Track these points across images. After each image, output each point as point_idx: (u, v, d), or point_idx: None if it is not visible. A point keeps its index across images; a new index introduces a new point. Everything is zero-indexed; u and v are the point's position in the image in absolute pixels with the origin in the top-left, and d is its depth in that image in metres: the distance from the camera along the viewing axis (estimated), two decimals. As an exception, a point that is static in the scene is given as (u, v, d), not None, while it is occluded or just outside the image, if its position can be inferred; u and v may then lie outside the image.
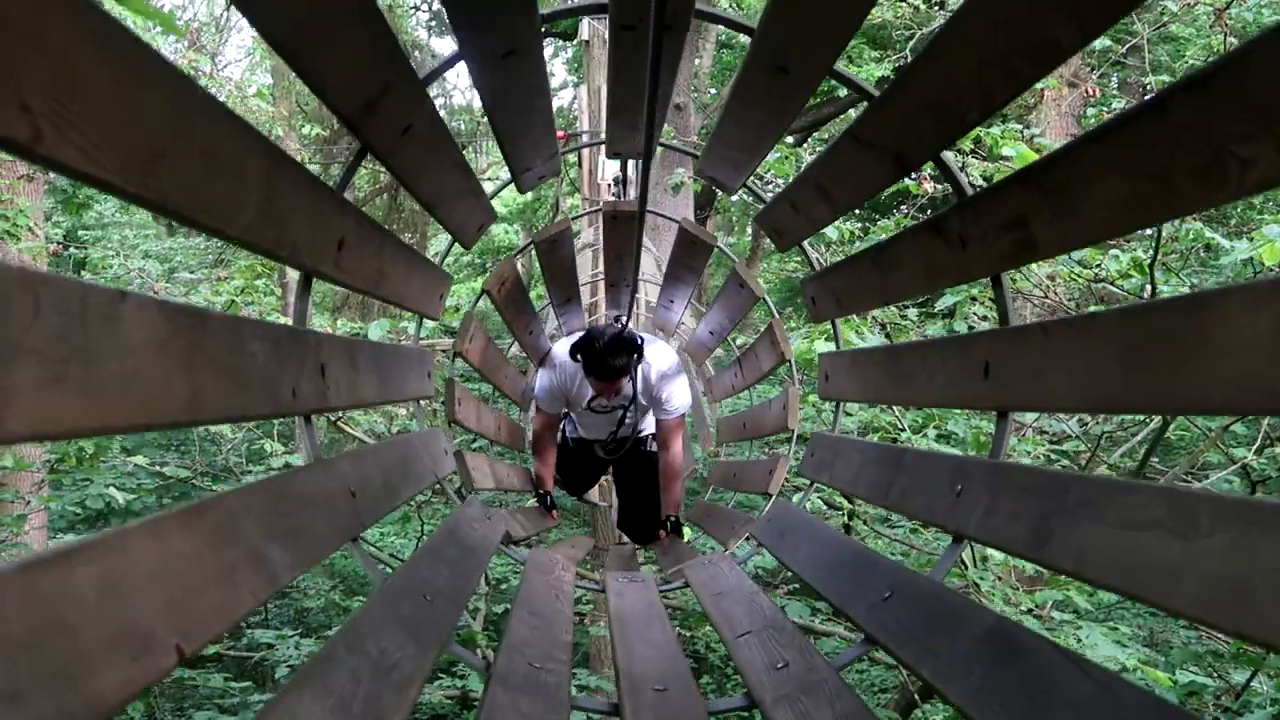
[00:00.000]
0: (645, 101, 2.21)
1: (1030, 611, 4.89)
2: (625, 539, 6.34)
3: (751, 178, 3.91)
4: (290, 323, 2.67)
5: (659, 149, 8.06)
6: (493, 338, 5.53)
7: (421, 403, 4.10)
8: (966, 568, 5.00)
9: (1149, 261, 5.03)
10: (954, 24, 1.96)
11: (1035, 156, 3.72)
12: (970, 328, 5.89)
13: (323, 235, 2.11)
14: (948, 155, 2.50)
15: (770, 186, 7.38)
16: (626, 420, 5.54)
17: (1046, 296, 6.24)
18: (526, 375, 6.87)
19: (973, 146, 6.09)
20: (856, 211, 16.99)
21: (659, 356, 5.39)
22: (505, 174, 3.75)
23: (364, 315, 16.45)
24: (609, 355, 4.88)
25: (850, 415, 6.86)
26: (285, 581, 1.66)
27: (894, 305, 7.07)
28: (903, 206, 8.40)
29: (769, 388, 9.16)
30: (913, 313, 7.42)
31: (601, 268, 7.83)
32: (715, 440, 8.00)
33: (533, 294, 9.11)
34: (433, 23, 25.91)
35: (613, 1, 2.54)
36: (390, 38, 2.10)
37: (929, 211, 7.06)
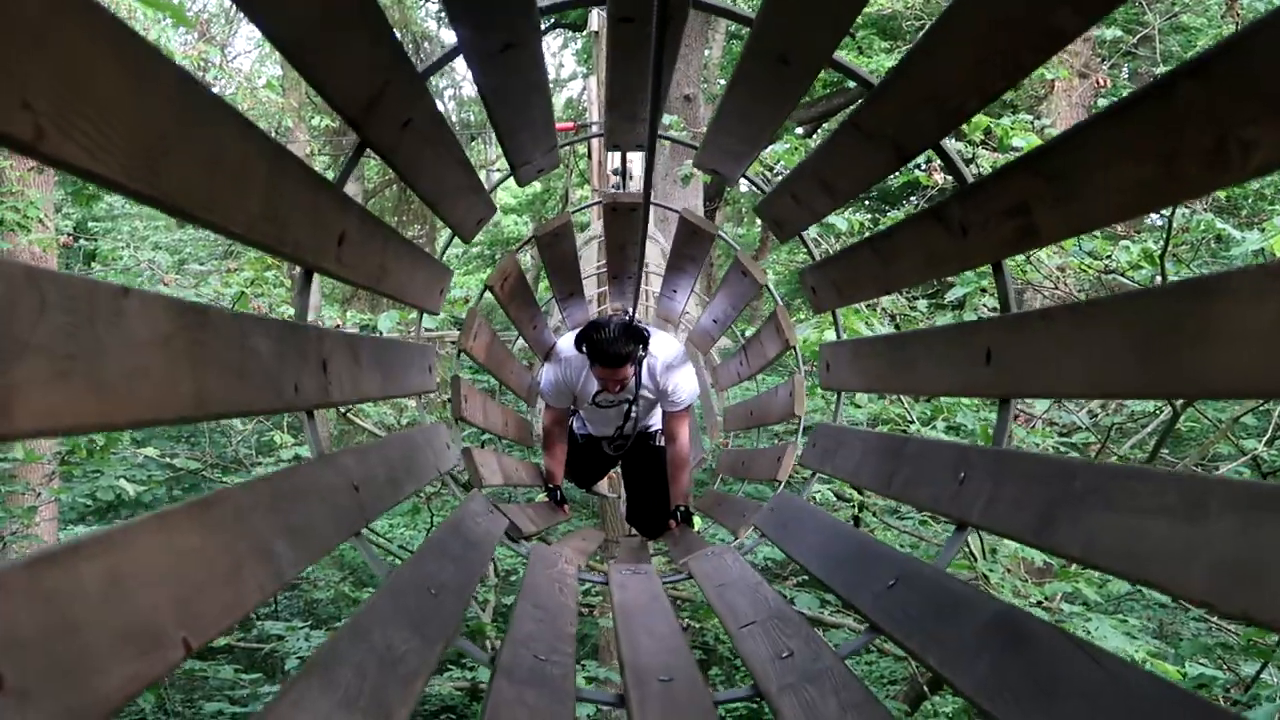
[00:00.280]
0: (648, 93, 2.21)
1: (1040, 604, 4.89)
2: (634, 531, 6.34)
3: (755, 168, 3.90)
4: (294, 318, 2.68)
5: (668, 142, 8.06)
6: (498, 333, 5.53)
7: (428, 395, 4.11)
8: (975, 560, 5.00)
9: (1159, 252, 5.01)
10: (953, 11, 1.96)
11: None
12: (980, 319, 5.87)
13: (324, 231, 2.12)
14: (948, 143, 2.50)
15: (779, 178, 7.36)
16: (632, 415, 5.54)
17: (1057, 288, 6.21)
18: (532, 369, 6.88)
19: (983, 137, 6.07)
20: (866, 203, 16.99)
21: (664, 347, 5.39)
22: (508, 170, 3.74)
23: (373, 307, 16.46)
24: (613, 342, 4.88)
25: (859, 407, 6.85)
26: (291, 576, 1.67)
27: (903, 297, 7.06)
28: (912, 198, 8.39)
29: (777, 376, 9.16)
30: (922, 304, 7.41)
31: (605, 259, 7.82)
32: (723, 430, 8.00)
33: (540, 286, 9.12)
34: (442, 14, 25.87)
35: None
36: (390, 36, 2.11)
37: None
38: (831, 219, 5.99)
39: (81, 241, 15.36)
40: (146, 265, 8.83)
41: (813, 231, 3.95)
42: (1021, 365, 2.12)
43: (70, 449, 7.58)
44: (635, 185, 9.96)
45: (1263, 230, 5.07)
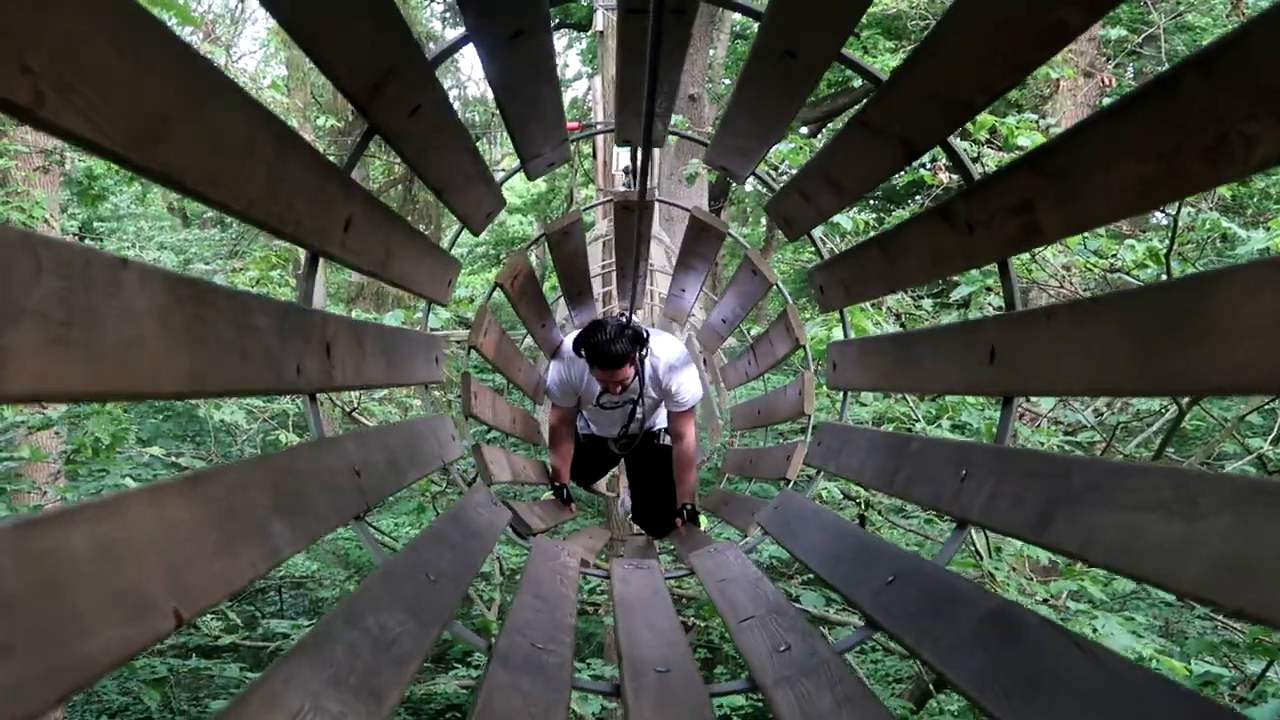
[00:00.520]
0: (661, 87, 2.21)
1: (1045, 601, 4.88)
2: (640, 530, 6.33)
3: (760, 167, 3.90)
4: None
5: (674, 139, 8.07)
6: (506, 330, 5.53)
7: (435, 392, 4.11)
8: (981, 558, 4.99)
9: (1165, 251, 5.00)
10: (958, 9, 1.96)
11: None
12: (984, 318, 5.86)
13: (330, 215, 2.12)
14: (955, 140, 2.49)
15: (784, 177, 7.37)
16: (637, 415, 5.55)
17: (1062, 286, 6.20)
18: (537, 364, 6.88)
19: (988, 136, 6.06)
20: (871, 202, 16.98)
21: (666, 348, 5.40)
22: (517, 164, 3.74)
23: (378, 306, 16.50)
24: (609, 343, 4.89)
25: (865, 405, 6.85)
26: (286, 555, 1.66)
27: (909, 296, 7.06)
28: (918, 197, 8.38)
29: (782, 377, 9.15)
30: (928, 303, 7.41)
31: (613, 258, 7.81)
32: (728, 430, 7.99)
33: (546, 286, 9.12)
34: (446, 14, 25.91)
35: None
36: (398, 19, 2.11)
37: (943, 201, 7.02)
38: (837, 218, 5.99)
39: (87, 241, 15.40)
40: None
41: (818, 231, 3.95)
42: (1025, 364, 2.12)
43: (76, 447, 7.59)
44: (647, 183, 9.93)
45: (1268, 229, 5.07)
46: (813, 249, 4.05)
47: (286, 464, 1.89)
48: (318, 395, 2.29)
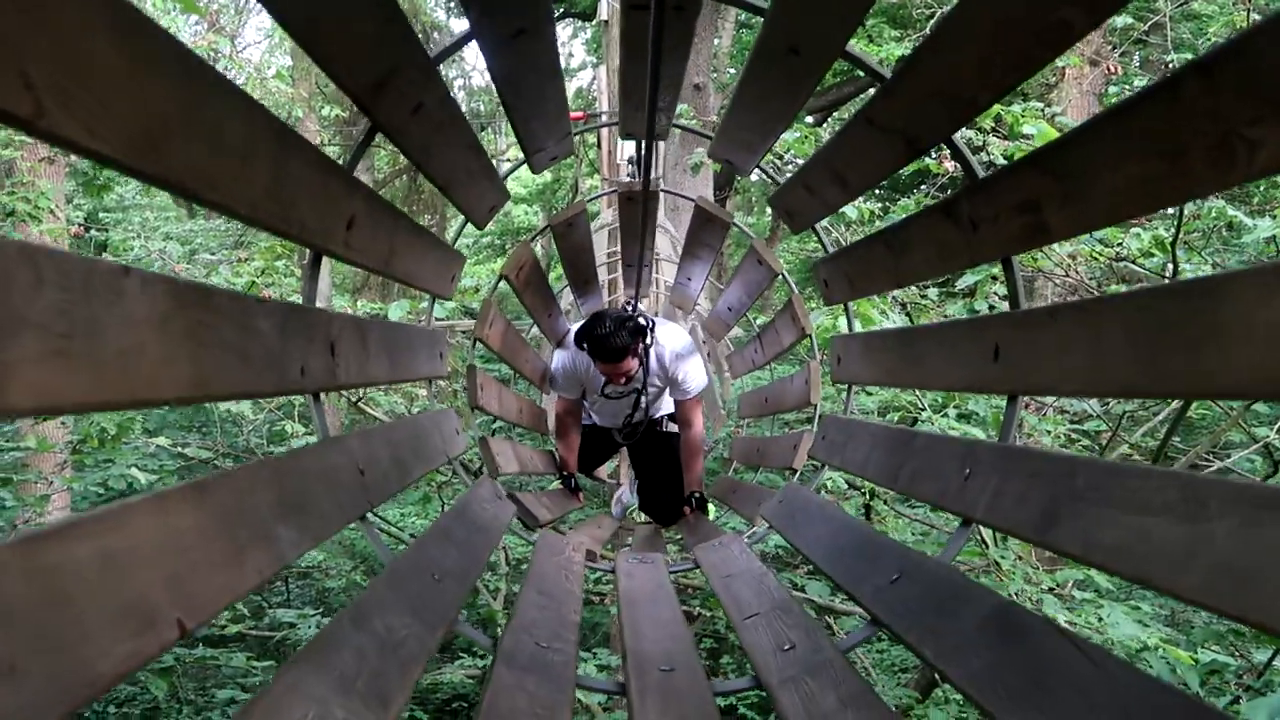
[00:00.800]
0: (663, 80, 2.20)
1: (1051, 590, 4.87)
2: (649, 519, 6.34)
3: (768, 159, 3.89)
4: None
5: (678, 130, 8.05)
6: (511, 320, 5.54)
7: (441, 381, 4.11)
8: (987, 546, 4.99)
9: (1171, 240, 4.99)
10: (961, 7, 1.95)
11: (1056, 134, 3.70)
12: (991, 307, 5.86)
13: (332, 214, 2.12)
14: (959, 137, 2.49)
15: (790, 167, 7.35)
16: (641, 404, 5.55)
17: (1067, 275, 6.19)
18: (542, 351, 6.89)
19: (993, 125, 6.04)
20: (877, 191, 16.93)
21: (671, 337, 5.40)
22: (522, 157, 3.74)
23: (384, 296, 16.48)
24: (611, 336, 4.89)
25: (870, 394, 6.85)
26: (292, 559, 1.67)
27: (912, 286, 7.04)
28: (923, 186, 8.36)
29: (788, 366, 9.14)
30: (933, 292, 7.39)
31: (618, 247, 7.82)
32: (732, 420, 7.99)
33: (551, 275, 9.13)
34: (451, 4, 25.86)
35: None
36: (400, 16, 2.10)
37: (949, 191, 7.02)
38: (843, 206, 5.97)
39: (93, 232, 15.42)
40: (157, 255, 8.87)
41: (823, 225, 3.95)
42: (1029, 362, 2.12)
43: (82, 438, 7.61)
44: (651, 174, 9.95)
45: (1274, 218, 5.05)
46: (818, 242, 4.05)
47: (291, 465, 1.89)
48: (321, 394, 2.30)
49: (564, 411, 5.75)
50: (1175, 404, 6.11)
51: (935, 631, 2.09)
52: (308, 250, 2.26)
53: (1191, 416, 7.16)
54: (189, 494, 1.37)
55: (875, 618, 2.40)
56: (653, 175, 3.47)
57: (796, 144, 6.72)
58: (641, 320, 5.04)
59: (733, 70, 19.47)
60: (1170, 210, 5.22)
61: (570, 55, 28.92)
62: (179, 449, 8.98)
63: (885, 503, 6.57)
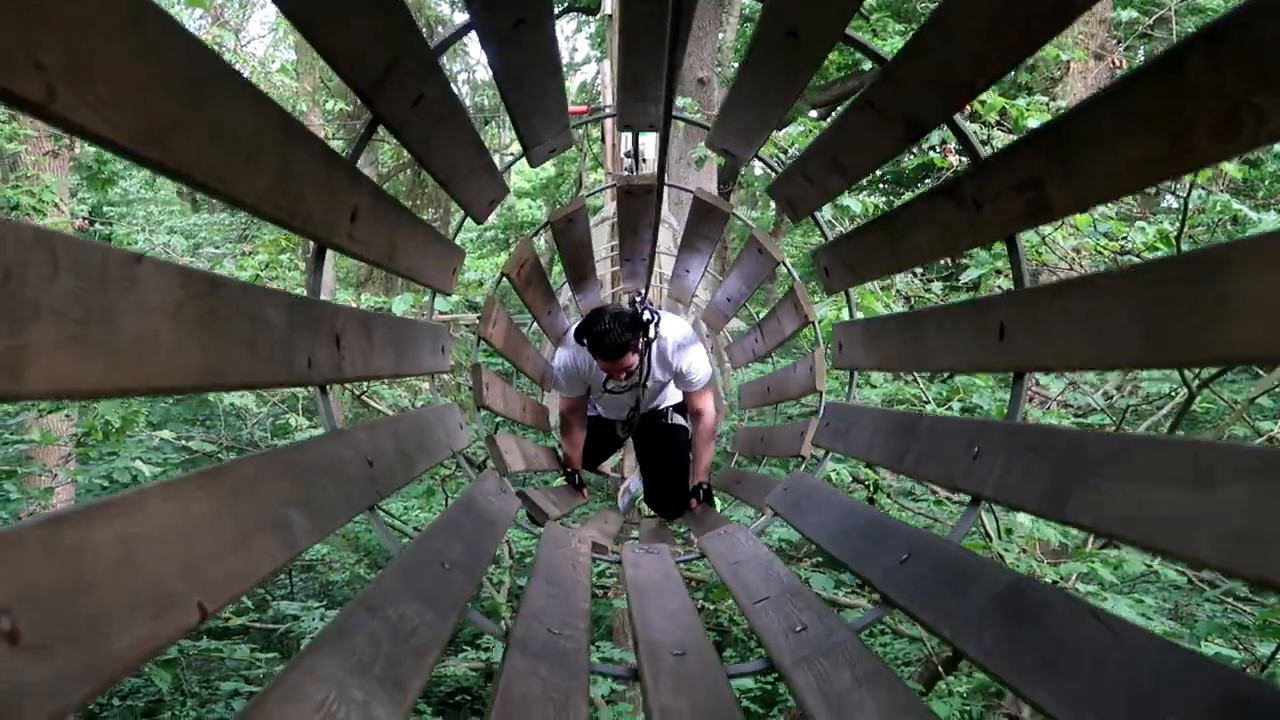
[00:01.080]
0: (662, 73, 2.20)
1: (1055, 584, 4.88)
2: (653, 513, 6.34)
3: (770, 150, 3.89)
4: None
5: (681, 124, 8.04)
6: (513, 315, 5.55)
7: (443, 377, 4.12)
8: (990, 540, 4.99)
9: (1175, 233, 4.99)
10: None
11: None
12: (993, 294, 5.86)
13: (336, 206, 2.12)
14: (961, 119, 2.49)
15: (792, 160, 7.35)
16: (643, 397, 5.55)
17: (1071, 269, 6.19)
18: (542, 347, 6.90)
19: (998, 119, 6.04)
20: (881, 186, 16.93)
21: (673, 328, 5.40)
22: (521, 150, 3.74)
23: (388, 290, 16.49)
24: (610, 333, 4.89)
25: (875, 388, 6.84)
26: (304, 547, 1.67)
27: (918, 279, 7.04)
28: (927, 180, 8.35)
29: (789, 359, 9.15)
30: (937, 286, 7.39)
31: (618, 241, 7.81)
32: (736, 412, 7.99)
33: (554, 270, 9.13)
34: (454, -3, 25.83)
35: None
36: (402, 8, 2.11)
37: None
38: (846, 201, 5.98)
39: (97, 226, 15.42)
40: (161, 248, 8.86)
41: (827, 214, 3.94)
42: (1035, 340, 2.11)
43: (87, 430, 7.63)
44: (647, 168, 9.96)
45: (1279, 211, 5.05)
46: (820, 231, 4.05)
47: (300, 456, 1.90)
48: (328, 386, 2.30)
49: (567, 410, 5.76)
50: (1179, 398, 6.11)
51: (949, 610, 2.09)
52: (311, 244, 2.27)
53: (1195, 410, 7.15)
54: (202, 481, 1.38)
55: (887, 598, 2.40)
56: (654, 168, 3.47)
57: (800, 138, 6.72)
58: (647, 313, 5.03)
59: (736, 64, 19.45)
60: (1175, 204, 5.22)
61: (574, 50, 28.92)
62: (183, 442, 9.00)
63: (889, 495, 6.58)
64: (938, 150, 6.48)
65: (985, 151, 2.38)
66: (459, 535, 2.74)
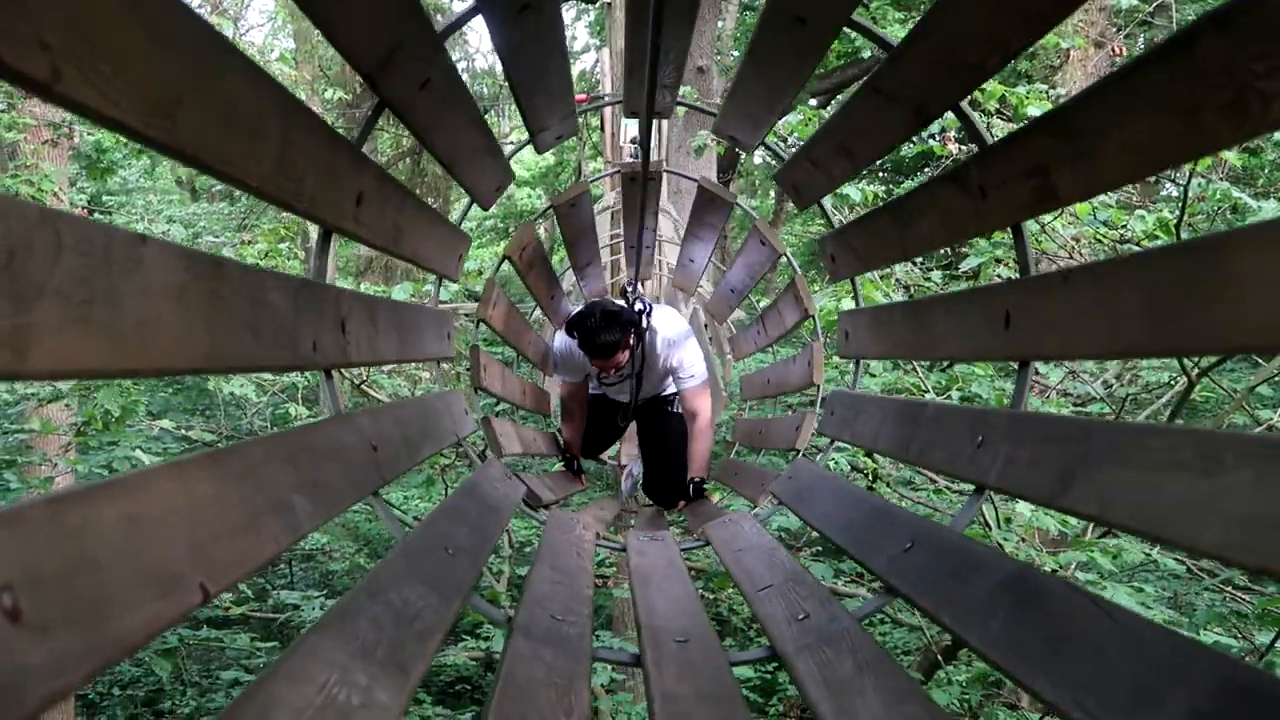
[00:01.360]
0: (667, 58, 2.20)
1: (1054, 572, 4.89)
2: (650, 502, 6.34)
3: (772, 137, 3.88)
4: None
5: (682, 110, 8.03)
6: (514, 302, 5.54)
7: (444, 366, 4.11)
8: (990, 529, 5.00)
9: (1175, 221, 4.99)
10: None
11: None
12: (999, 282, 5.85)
13: (341, 189, 2.12)
14: (967, 105, 2.48)
15: (792, 149, 7.33)
16: (639, 387, 5.54)
17: (1071, 257, 6.18)
18: (544, 332, 6.89)
19: (998, 106, 6.03)
20: (881, 175, 16.91)
21: (666, 323, 5.38)
22: (526, 137, 3.73)
23: (388, 279, 16.49)
24: (599, 332, 4.87)
25: (874, 376, 6.85)
26: (307, 530, 1.67)
27: (918, 269, 7.03)
28: (927, 169, 8.35)
29: (790, 349, 9.16)
30: (937, 275, 7.39)
31: (620, 228, 7.80)
32: (735, 403, 7.98)
33: (555, 258, 9.13)
34: (456, -17, 25.76)
35: None
36: None
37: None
38: (845, 189, 5.97)
39: (96, 215, 15.40)
40: (161, 238, 8.85)
41: (828, 203, 3.93)
42: (1041, 327, 2.11)
43: (86, 420, 7.62)
44: (654, 154, 9.96)
45: (1279, 199, 5.05)
46: (822, 222, 4.04)
47: (305, 440, 1.89)
48: (332, 371, 2.30)
49: (567, 395, 5.74)
50: (1179, 387, 6.12)
51: (951, 598, 2.09)
52: (313, 231, 2.26)
53: (1195, 400, 7.17)
54: (206, 463, 1.37)
55: (890, 586, 2.40)
56: (656, 157, 3.47)
57: (800, 126, 6.70)
58: (639, 306, 5.01)
59: (736, 53, 19.42)
60: (1175, 192, 5.22)
61: (574, 38, 28.85)
62: (183, 431, 9.00)
63: (889, 485, 6.59)
64: (937, 138, 6.47)
65: (990, 138, 2.38)
66: (463, 520, 2.74)
